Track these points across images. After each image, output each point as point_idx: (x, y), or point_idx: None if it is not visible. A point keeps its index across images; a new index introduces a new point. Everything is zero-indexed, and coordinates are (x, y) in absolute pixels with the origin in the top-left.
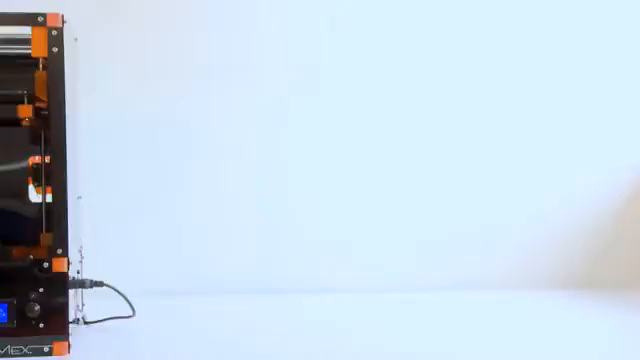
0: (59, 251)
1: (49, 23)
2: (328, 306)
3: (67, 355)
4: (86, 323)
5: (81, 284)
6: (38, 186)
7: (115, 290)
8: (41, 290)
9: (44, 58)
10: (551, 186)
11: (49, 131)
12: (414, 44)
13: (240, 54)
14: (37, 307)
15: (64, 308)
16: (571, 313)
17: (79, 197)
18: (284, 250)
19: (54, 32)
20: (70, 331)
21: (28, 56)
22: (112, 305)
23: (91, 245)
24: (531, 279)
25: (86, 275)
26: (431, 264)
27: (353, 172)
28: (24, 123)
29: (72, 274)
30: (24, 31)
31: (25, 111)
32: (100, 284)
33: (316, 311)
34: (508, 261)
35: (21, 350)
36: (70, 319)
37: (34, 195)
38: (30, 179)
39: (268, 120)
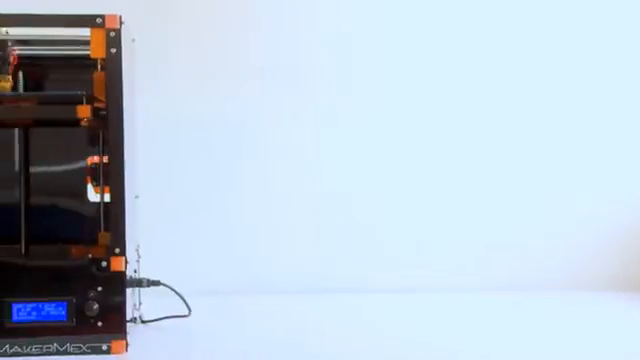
0: (117, 250)
1: (107, 24)
2: (378, 306)
3: (124, 353)
4: (143, 322)
5: (138, 283)
6: (96, 186)
7: (171, 289)
8: (99, 289)
9: (102, 59)
10: (609, 188)
11: (107, 131)
12: (468, 41)
13: (292, 55)
14: (95, 306)
15: (122, 307)
16: (629, 315)
17: (136, 196)
18: (335, 250)
19: (112, 33)
20: (127, 330)
21: (87, 57)
22: (168, 304)
23: (148, 244)
24: (589, 281)
25: (143, 274)
26: (487, 265)
27: (405, 172)
28: (83, 123)
29: (129, 273)
30: (83, 32)
31: (84, 111)
32: (157, 283)
33: (367, 311)
34: (566, 263)
35: (80, 348)
36: (127, 318)
37: (92, 195)
38: (88, 179)
39: (320, 121)
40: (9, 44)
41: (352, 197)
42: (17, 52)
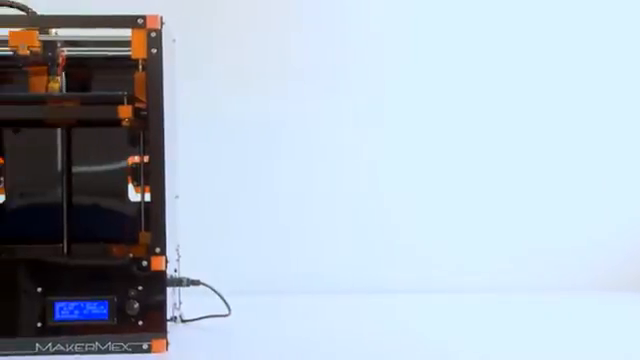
0: (157, 250)
1: (148, 25)
2: (412, 307)
3: (165, 352)
4: (183, 321)
5: (178, 282)
6: (137, 185)
7: (211, 289)
8: (140, 288)
9: (143, 59)
10: None
11: (148, 131)
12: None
13: (332, 55)
14: (136, 305)
15: (162, 306)
16: None
17: (177, 196)
18: (376, 250)
19: (153, 34)
20: (168, 329)
21: (128, 57)
22: (208, 303)
23: (188, 244)
24: (632, 282)
25: (183, 274)
26: (530, 266)
27: (446, 172)
28: (124, 123)
29: (170, 272)
30: (124, 33)
31: (125, 112)
32: (197, 283)
33: (401, 312)
34: (608, 264)
35: (121, 347)
36: (168, 317)
37: (133, 194)
38: (129, 178)
39: (360, 121)
40: (58, 45)
41: (394, 196)
42: (66, 53)
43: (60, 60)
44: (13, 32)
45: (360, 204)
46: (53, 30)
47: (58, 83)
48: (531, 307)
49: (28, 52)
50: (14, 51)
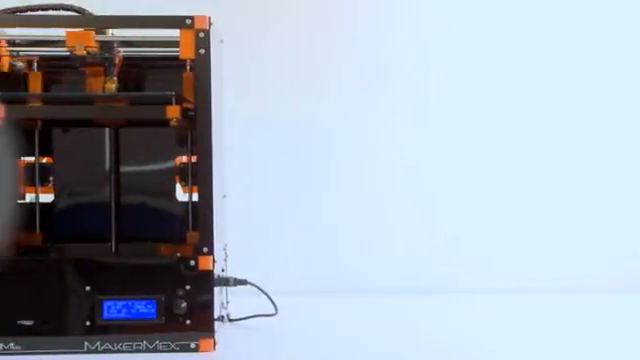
0: (205, 249)
1: (197, 25)
2: (469, 308)
3: (212, 352)
4: (230, 320)
5: (225, 282)
6: (185, 185)
7: (258, 288)
8: (187, 287)
9: (191, 60)
10: None
11: (196, 131)
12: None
13: (381, 55)
14: (184, 304)
15: (210, 305)
16: None
17: (224, 196)
18: (424, 250)
19: (201, 34)
20: (215, 328)
21: (176, 58)
22: (255, 303)
23: (235, 243)
24: None
25: (230, 273)
26: (601, 266)
27: (497, 172)
28: (172, 123)
29: (217, 272)
30: (172, 33)
31: (173, 112)
32: (244, 282)
33: (457, 312)
34: None
35: (169, 346)
36: (215, 316)
37: (181, 194)
38: (177, 178)
39: (405, 121)
40: (115, 45)
41: (436, 197)
42: (122, 54)
43: (117, 61)
44: (70, 32)
45: (407, 204)
46: (110, 31)
47: (114, 83)
48: (580, 307)
49: (85, 52)
50: (71, 51)
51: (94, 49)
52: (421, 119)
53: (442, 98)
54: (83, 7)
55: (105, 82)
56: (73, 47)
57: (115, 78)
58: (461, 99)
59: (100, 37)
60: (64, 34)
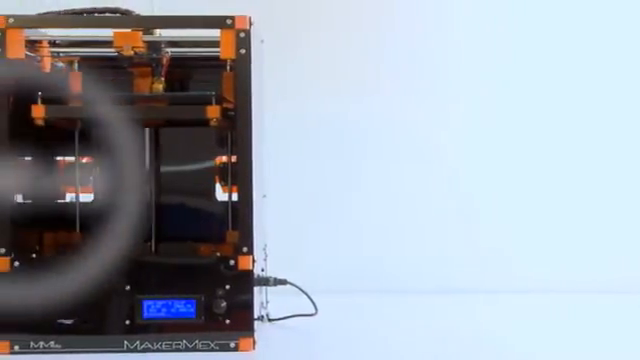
0: (244, 249)
1: (237, 25)
2: (503, 308)
3: (252, 351)
4: (270, 320)
5: (265, 282)
6: (225, 185)
7: (298, 288)
8: (227, 287)
9: (231, 60)
10: None
11: (236, 131)
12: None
13: (417, 55)
14: (223, 304)
15: (249, 305)
16: None
17: (264, 196)
18: (464, 251)
19: (242, 34)
20: (255, 327)
21: (216, 58)
22: (295, 303)
23: (275, 243)
24: None
25: (270, 273)
26: (618, 267)
27: (533, 173)
28: (212, 123)
29: (257, 272)
30: (212, 33)
31: (213, 112)
32: (284, 282)
33: (494, 313)
34: None
35: (208, 345)
36: (255, 316)
37: (221, 194)
38: (217, 178)
39: (447, 121)
40: (162, 45)
41: (479, 196)
42: (170, 54)
43: (164, 61)
44: (118, 33)
45: (447, 204)
46: (157, 31)
47: (162, 84)
48: (615, 308)
49: (132, 53)
50: (119, 52)
51: (141, 49)
52: (456, 118)
53: (484, 97)
54: (130, 9)
55: (153, 82)
56: (121, 47)
57: (163, 78)
58: (501, 98)
59: (147, 37)
60: (108, 34)
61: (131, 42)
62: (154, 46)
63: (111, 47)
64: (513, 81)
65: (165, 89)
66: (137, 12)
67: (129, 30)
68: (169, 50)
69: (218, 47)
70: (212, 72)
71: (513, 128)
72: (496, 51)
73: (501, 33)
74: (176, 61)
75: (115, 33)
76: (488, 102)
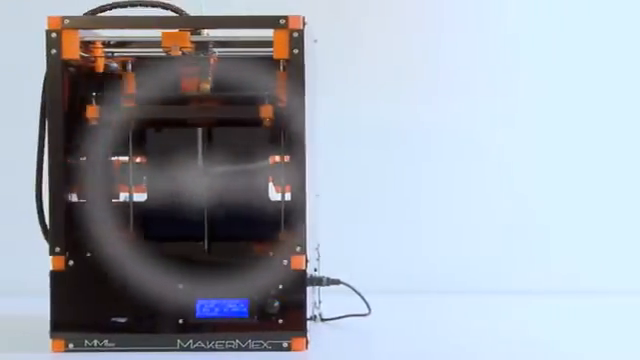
0: (298, 249)
1: (291, 25)
2: (562, 309)
3: (305, 351)
4: (323, 320)
5: (318, 281)
6: (278, 185)
7: (351, 288)
8: (280, 287)
9: (285, 60)
10: None
11: (289, 131)
12: None
13: (470, 56)
14: (276, 303)
15: (302, 305)
16: None
17: (317, 195)
18: (515, 251)
19: (295, 34)
20: (307, 327)
21: (269, 58)
22: (348, 303)
23: (328, 243)
24: None
25: (322, 273)
26: None
27: (584, 172)
28: (265, 123)
29: (309, 271)
30: (264, 33)
31: (266, 111)
32: (336, 282)
33: (544, 313)
34: None
35: (261, 345)
36: (308, 316)
37: (274, 194)
38: (270, 178)
39: (496, 121)
40: (210, 46)
41: (526, 197)
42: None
43: (211, 61)
44: (166, 33)
45: (496, 204)
46: (205, 31)
47: (209, 84)
48: None
49: (180, 53)
50: (167, 52)
51: (189, 50)
52: (509, 118)
53: (531, 97)
54: (180, 7)
55: (200, 82)
56: (169, 48)
57: (210, 78)
58: (550, 97)
59: (195, 38)
60: (159, 35)
61: (179, 42)
62: (202, 46)
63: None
64: (572, 83)
65: (212, 89)
66: (186, 12)
67: (177, 30)
68: (216, 50)
69: (268, 47)
70: (263, 72)
71: (562, 125)
72: (545, 48)
73: (561, 32)
74: (225, 60)
75: (163, 33)
76: (540, 100)
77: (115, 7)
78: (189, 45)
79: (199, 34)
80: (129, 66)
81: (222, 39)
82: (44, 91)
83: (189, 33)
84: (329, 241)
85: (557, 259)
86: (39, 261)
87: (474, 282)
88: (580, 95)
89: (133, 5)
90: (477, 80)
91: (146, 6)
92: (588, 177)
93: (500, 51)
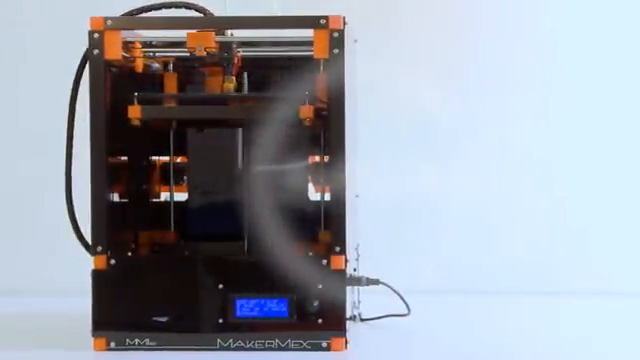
0: (337, 249)
1: (331, 25)
2: (599, 309)
3: (344, 351)
4: (362, 320)
5: (357, 281)
6: (317, 185)
7: (391, 288)
8: (320, 287)
9: (325, 60)
10: None
11: (328, 131)
12: None
13: (505, 54)
14: (316, 303)
15: (342, 305)
16: None
17: (357, 195)
18: (554, 250)
19: (335, 34)
20: (347, 327)
21: (309, 58)
22: (387, 303)
23: (367, 243)
24: None
25: (362, 273)
26: None
27: (616, 171)
28: (305, 123)
29: (349, 271)
30: (303, 33)
31: (306, 112)
32: (376, 282)
33: (585, 314)
34: None
35: (300, 344)
36: (347, 316)
37: (313, 193)
38: (310, 178)
39: (530, 120)
40: (234, 46)
41: (571, 197)
42: (241, 53)
43: (235, 61)
44: (191, 33)
45: (534, 204)
46: (228, 31)
47: (233, 83)
48: None
49: (205, 53)
50: (191, 52)
51: (214, 50)
52: (550, 119)
53: (564, 94)
54: (204, 6)
55: (223, 82)
56: (193, 48)
57: (233, 78)
58: (582, 95)
59: (219, 38)
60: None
61: (203, 43)
62: (226, 46)
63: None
64: (615, 83)
65: (248, 88)
66: (210, 11)
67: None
68: (240, 50)
69: (299, 46)
70: (294, 71)
71: (595, 122)
72: (578, 45)
73: (597, 32)
74: (264, 61)
75: (188, 34)
76: (584, 102)
77: (140, 12)
78: (213, 45)
79: (223, 34)
80: (170, 66)
81: (244, 39)
82: (74, 90)
83: (214, 33)
84: (369, 241)
85: (596, 260)
86: (83, 261)
87: (513, 282)
88: (623, 95)
89: (156, 9)
90: (516, 79)
91: (169, 8)
92: (628, 178)
93: (540, 49)
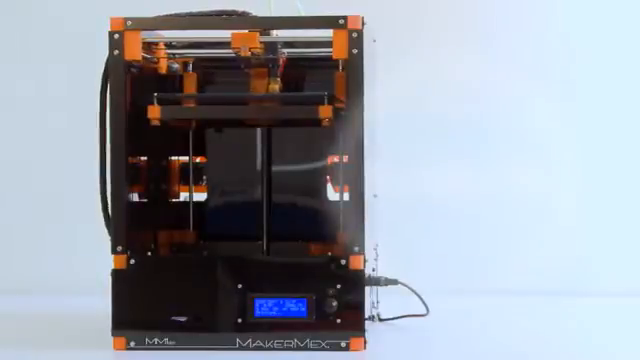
0: (356, 249)
1: (350, 25)
2: (621, 310)
3: (363, 351)
4: (381, 320)
5: (376, 282)
6: (336, 185)
7: (409, 288)
8: (338, 287)
9: (344, 60)
10: None
11: (347, 131)
12: None
13: (530, 46)
14: (334, 303)
15: (360, 305)
16: None
17: (375, 195)
18: (576, 250)
19: (354, 34)
20: (366, 327)
21: (328, 58)
22: (406, 303)
23: (386, 243)
24: None
25: (381, 273)
26: None
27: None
28: (324, 123)
29: (368, 271)
30: (323, 33)
31: (325, 112)
32: (394, 282)
33: (602, 315)
34: None
35: (319, 344)
36: (366, 315)
37: (332, 193)
38: (328, 178)
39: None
40: (279, 46)
41: (598, 198)
42: (286, 54)
43: (281, 61)
44: (236, 34)
45: (558, 204)
46: (274, 32)
47: (278, 84)
48: None
49: (249, 54)
50: (236, 53)
51: (258, 50)
52: (591, 120)
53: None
54: (247, 10)
55: (269, 83)
56: (238, 49)
57: (279, 79)
58: (605, 91)
59: (264, 38)
60: (222, 36)
61: (248, 43)
62: (270, 47)
63: (227, 48)
64: (620, 71)
65: (281, 89)
66: (254, 13)
67: (247, 31)
68: (285, 51)
69: (324, 46)
70: (325, 72)
71: (619, 118)
72: (603, 38)
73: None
74: (290, 61)
75: (233, 34)
76: (626, 105)
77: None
78: (258, 46)
79: (268, 35)
80: (190, 67)
81: (287, 39)
82: (102, 92)
83: (258, 34)
84: (388, 241)
85: (621, 261)
86: (103, 260)
87: (533, 283)
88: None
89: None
90: (537, 79)
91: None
92: (629, 178)
93: (557, 37)
